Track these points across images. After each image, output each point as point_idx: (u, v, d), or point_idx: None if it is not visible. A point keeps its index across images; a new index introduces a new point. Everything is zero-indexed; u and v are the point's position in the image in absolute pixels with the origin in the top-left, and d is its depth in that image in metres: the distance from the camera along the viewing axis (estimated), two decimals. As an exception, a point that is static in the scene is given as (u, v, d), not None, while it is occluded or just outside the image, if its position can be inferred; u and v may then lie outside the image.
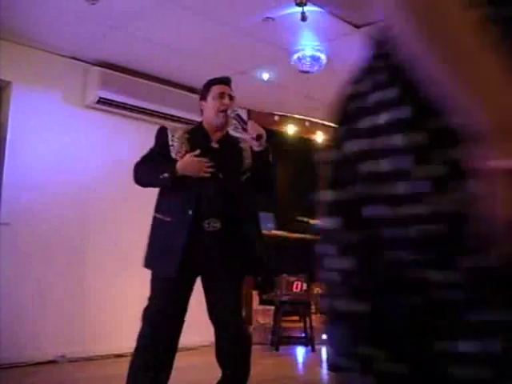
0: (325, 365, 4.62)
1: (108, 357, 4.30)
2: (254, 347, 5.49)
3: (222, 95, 2.58)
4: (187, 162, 2.41)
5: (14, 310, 3.89)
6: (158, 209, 2.50)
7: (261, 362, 4.59)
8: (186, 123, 4.37)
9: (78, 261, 4.32)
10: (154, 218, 2.50)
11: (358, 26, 3.82)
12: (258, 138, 2.44)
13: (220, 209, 2.43)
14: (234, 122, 2.55)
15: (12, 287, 3.90)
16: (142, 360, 2.40)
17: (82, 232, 4.37)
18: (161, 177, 2.43)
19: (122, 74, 4.56)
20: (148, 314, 2.43)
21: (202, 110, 2.68)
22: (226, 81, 2.67)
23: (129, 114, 4.64)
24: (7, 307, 3.83)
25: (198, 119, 5.00)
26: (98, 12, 3.63)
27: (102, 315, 4.38)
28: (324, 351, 5.10)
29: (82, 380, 3.66)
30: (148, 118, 4.66)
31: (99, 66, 4.49)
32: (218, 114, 2.55)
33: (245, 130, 2.49)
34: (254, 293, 5.68)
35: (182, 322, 2.50)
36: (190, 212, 2.38)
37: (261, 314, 5.58)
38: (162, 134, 2.57)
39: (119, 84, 4.50)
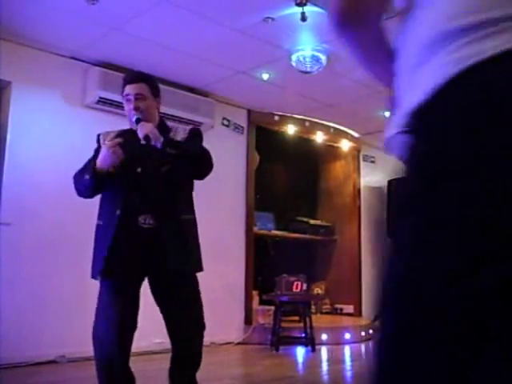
0: (325, 365, 4.62)
1: (108, 357, 4.30)
2: (254, 347, 5.53)
3: (128, 97, 2.56)
4: (101, 154, 2.41)
5: (14, 310, 3.89)
6: (98, 215, 2.54)
7: (261, 362, 4.59)
8: (187, 123, 4.37)
9: (78, 261, 4.31)
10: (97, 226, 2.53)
11: (357, 26, 3.82)
12: (146, 138, 2.37)
13: (151, 204, 2.42)
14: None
15: (12, 287, 3.90)
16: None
17: (82, 232, 4.36)
18: (85, 177, 2.47)
19: (121, 74, 4.53)
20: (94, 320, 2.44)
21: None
22: (133, 79, 2.64)
23: (129, 114, 4.64)
24: (7, 307, 3.83)
25: (198, 119, 5.03)
26: (98, 12, 3.63)
27: (101, 315, 4.38)
28: (324, 351, 5.11)
29: (82, 380, 3.65)
30: (148, 118, 4.66)
31: (99, 66, 4.50)
32: (130, 118, 2.55)
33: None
34: (254, 293, 5.68)
35: (131, 323, 2.45)
36: (118, 212, 2.39)
37: (261, 314, 5.58)
38: (97, 141, 2.62)
39: (119, 84, 4.48)
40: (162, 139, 2.37)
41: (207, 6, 3.57)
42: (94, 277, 2.45)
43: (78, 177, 2.57)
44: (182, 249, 2.45)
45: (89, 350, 4.21)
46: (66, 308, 4.19)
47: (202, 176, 2.60)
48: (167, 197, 2.48)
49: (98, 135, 2.64)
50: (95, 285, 4.42)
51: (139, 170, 2.46)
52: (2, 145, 4.09)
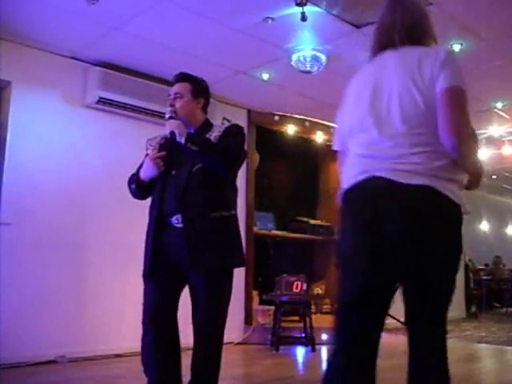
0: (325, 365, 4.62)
1: (108, 357, 4.31)
2: (254, 347, 5.53)
3: (168, 98, 2.67)
4: (144, 165, 2.53)
5: (15, 310, 3.89)
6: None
7: (261, 362, 4.59)
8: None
9: (78, 261, 4.32)
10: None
11: (358, 26, 3.82)
12: (172, 134, 2.44)
13: (182, 204, 2.45)
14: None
15: (12, 287, 3.90)
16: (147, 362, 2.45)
17: (82, 232, 4.37)
18: (131, 186, 2.58)
19: (121, 74, 4.55)
20: (143, 317, 2.49)
21: None
22: (174, 79, 2.77)
23: (129, 113, 4.64)
24: (7, 307, 3.83)
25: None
26: (98, 12, 3.63)
27: (101, 315, 4.38)
28: (324, 351, 5.10)
29: (82, 380, 3.66)
30: (148, 118, 4.66)
31: (99, 66, 4.49)
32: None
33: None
34: (254, 293, 5.68)
35: (173, 321, 2.51)
36: (155, 213, 2.49)
37: (261, 314, 5.58)
38: (146, 148, 2.67)
39: (119, 84, 4.50)
40: (185, 135, 2.43)
41: (207, 5, 3.57)
42: (143, 276, 2.52)
43: (129, 182, 2.65)
44: (212, 247, 2.48)
45: (89, 349, 4.24)
46: (65, 308, 4.19)
47: (225, 173, 2.59)
48: (197, 196, 2.48)
49: (147, 141, 2.71)
50: (95, 285, 4.43)
51: (174, 172, 2.51)
52: (2, 145, 4.09)
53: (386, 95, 1.66)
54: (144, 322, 2.49)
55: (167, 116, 2.53)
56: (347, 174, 1.71)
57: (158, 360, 2.43)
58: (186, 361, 2.45)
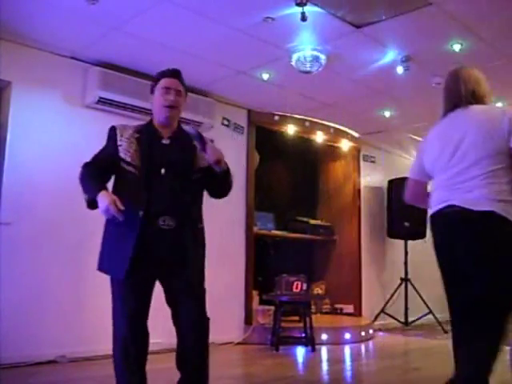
0: (325, 365, 4.62)
1: (108, 357, 4.28)
2: (254, 347, 5.53)
3: (167, 90, 2.54)
4: (101, 203, 2.34)
5: (14, 310, 3.89)
6: None
7: (261, 362, 4.59)
8: (186, 123, 4.36)
9: (78, 260, 4.32)
10: (107, 219, 2.45)
11: (358, 26, 3.82)
12: (217, 162, 2.38)
13: (173, 206, 2.41)
14: (194, 140, 2.44)
15: (12, 287, 3.90)
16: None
17: (82, 232, 4.37)
18: (84, 195, 2.48)
19: (121, 74, 4.55)
20: (118, 324, 2.49)
21: (152, 105, 2.62)
22: (173, 74, 2.64)
23: (129, 113, 4.63)
24: (7, 307, 3.83)
25: (198, 119, 5.03)
26: (98, 12, 3.63)
27: (101, 315, 4.37)
28: (324, 351, 5.11)
29: (82, 380, 3.66)
30: (148, 118, 4.65)
31: (99, 66, 4.49)
32: (162, 109, 2.52)
33: (204, 150, 2.41)
34: (254, 293, 5.68)
35: (146, 329, 2.51)
36: (141, 213, 2.35)
37: (261, 314, 5.58)
38: (111, 134, 2.56)
39: (119, 84, 4.50)
40: (226, 166, 2.44)
41: (207, 5, 3.57)
42: (115, 275, 2.43)
43: (84, 177, 2.55)
44: (198, 254, 2.54)
45: (89, 349, 4.24)
46: (65, 308, 4.19)
47: (223, 196, 2.67)
48: (190, 204, 2.48)
49: (115, 129, 2.58)
50: (95, 285, 4.42)
51: (163, 171, 2.42)
52: (2, 145, 4.09)
53: (462, 143, 2.22)
54: (121, 330, 2.43)
55: (194, 131, 2.44)
56: (433, 202, 2.34)
57: (137, 375, 2.46)
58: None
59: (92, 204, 2.41)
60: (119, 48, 4.29)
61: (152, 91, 2.63)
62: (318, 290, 6.80)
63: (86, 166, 2.56)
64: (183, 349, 2.52)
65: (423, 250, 7.77)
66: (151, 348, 2.55)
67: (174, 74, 2.65)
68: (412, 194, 2.62)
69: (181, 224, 2.41)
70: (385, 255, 7.31)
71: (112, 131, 2.58)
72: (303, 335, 5.19)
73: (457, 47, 4.05)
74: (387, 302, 6.83)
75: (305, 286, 5.59)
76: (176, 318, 2.51)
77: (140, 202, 2.37)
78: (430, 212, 2.36)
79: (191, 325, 2.51)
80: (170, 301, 2.51)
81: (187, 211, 2.46)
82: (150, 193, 2.38)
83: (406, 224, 6.82)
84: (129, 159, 2.45)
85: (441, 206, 2.25)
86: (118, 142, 2.51)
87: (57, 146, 4.32)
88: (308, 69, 4.32)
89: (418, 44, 4.09)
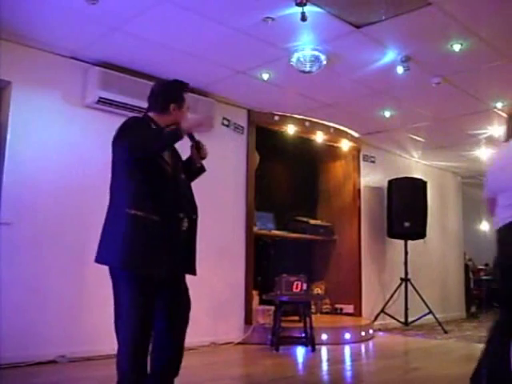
0: (325, 365, 4.62)
1: (108, 357, 4.30)
2: (254, 347, 5.52)
3: (188, 109, 2.69)
4: (194, 119, 2.57)
5: (15, 310, 3.89)
6: (134, 205, 2.39)
7: (261, 362, 4.59)
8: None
9: (78, 260, 4.32)
10: (133, 216, 2.38)
11: (358, 26, 3.82)
12: (202, 159, 2.66)
13: (188, 207, 2.50)
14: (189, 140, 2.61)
15: (12, 287, 3.90)
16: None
17: (82, 232, 4.37)
18: (169, 132, 2.39)
19: (121, 74, 4.55)
20: (138, 334, 2.42)
21: (170, 113, 2.60)
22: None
23: (129, 114, 4.62)
24: (8, 307, 3.83)
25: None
26: (98, 12, 3.63)
27: (102, 315, 4.37)
28: (324, 351, 5.11)
29: (82, 380, 3.66)
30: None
31: (99, 66, 4.49)
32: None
33: (197, 148, 2.61)
34: (254, 293, 5.68)
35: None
36: (182, 215, 2.43)
37: (261, 314, 5.57)
38: (145, 124, 2.55)
39: (119, 84, 4.50)
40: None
41: (207, 5, 3.57)
42: (158, 274, 2.40)
43: (148, 135, 2.45)
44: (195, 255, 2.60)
45: (89, 349, 4.24)
46: (66, 308, 4.19)
47: None
48: (196, 205, 2.59)
49: (147, 119, 2.59)
50: (95, 285, 4.42)
51: (183, 176, 2.56)
52: (2, 145, 4.09)
53: None
54: (141, 320, 2.38)
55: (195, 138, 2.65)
56: (500, 216, 2.77)
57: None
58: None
59: (176, 135, 2.41)
60: (119, 48, 4.29)
61: (177, 103, 2.61)
62: (318, 289, 6.80)
63: (132, 136, 2.44)
64: (171, 350, 2.57)
65: (423, 250, 7.81)
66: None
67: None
68: None
69: (190, 226, 2.50)
70: (385, 255, 7.31)
71: (145, 122, 2.56)
72: (303, 335, 5.19)
73: (457, 47, 4.05)
74: (387, 302, 6.83)
75: (305, 286, 5.59)
76: (173, 321, 2.57)
77: (177, 203, 2.42)
78: (498, 225, 2.80)
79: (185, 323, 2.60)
80: (172, 305, 2.58)
81: (196, 213, 2.53)
82: (177, 196, 2.45)
83: (406, 224, 6.82)
84: (166, 157, 2.50)
85: (507, 221, 2.71)
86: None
87: (57, 145, 4.32)
88: (308, 69, 4.32)
89: (418, 44, 4.09)
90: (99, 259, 2.50)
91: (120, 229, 2.39)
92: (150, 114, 2.62)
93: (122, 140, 2.44)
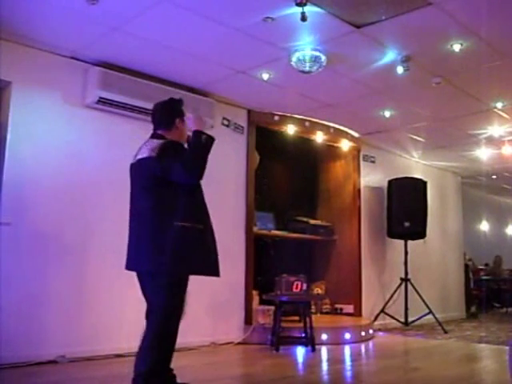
0: (325, 365, 4.62)
1: (108, 357, 4.31)
2: (254, 347, 5.52)
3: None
4: (191, 121, 2.91)
5: (15, 310, 3.89)
6: (180, 217, 2.73)
7: (261, 362, 4.59)
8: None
9: (78, 261, 4.32)
10: (182, 227, 2.72)
11: (358, 26, 3.82)
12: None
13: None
14: None
15: (12, 287, 3.90)
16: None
17: (82, 232, 4.38)
18: (205, 140, 2.78)
19: (122, 74, 4.55)
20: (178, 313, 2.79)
21: (176, 127, 3.00)
22: None
23: (129, 113, 4.64)
24: (8, 307, 3.83)
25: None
26: (98, 12, 3.63)
27: (102, 315, 4.38)
28: (324, 351, 5.11)
29: (82, 380, 3.66)
30: (148, 118, 4.63)
31: (99, 65, 4.49)
32: (184, 139, 3.01)
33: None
34: (254, 293, 5.68)
35: None
36: (211, 222, 2.93)
37: (261, 314, 5.57)
38: (182, 149, 2.89)
39: (119, 84, 4.49)
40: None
41: (207, 5, 3.57)
42: (210, 274, 2.89)
43: (192, 155, 2.79)
44: None
45: (89, 349, 4.24)
46: (66, 308, 4.19)
47: None
48: None
49: (183, 145, 2.95)
50: (95, 284, 4.42)
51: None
52: (2, 144, 4.09)
53: None
54: (179, 312, 2.77)
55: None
56: None
57: None
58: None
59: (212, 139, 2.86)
60: (119, 48, 4.29)
61: (180, 117, 3.02)
62: (318, 289, 6.80)
63: (180, 161, 2.75)
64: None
65: (423, 250, 7.81)
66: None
67: None
68: None
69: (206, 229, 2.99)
70: (385, 255, 7.31)
71: (183, 147, 2.91)
72: (303, 335, 5.19)
73: (457, 47, 4.05)
74: (387, 302, 6.83)
75: (305, 286, 5.59)
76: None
77: (206, 213, 2.90)
78: None
79: None
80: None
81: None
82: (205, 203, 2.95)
83: (406, 224, 6.82)
84: None
85: None
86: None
87: (57, 145, 4.32)
88: (308, 69, 4.32)
89: (418, 44, 4.09)
90: (147, 267, 2.83)
91: (170, 240, 2.73)
92: (159, 132, 2.99)
93: (172, 162, 2.77)
